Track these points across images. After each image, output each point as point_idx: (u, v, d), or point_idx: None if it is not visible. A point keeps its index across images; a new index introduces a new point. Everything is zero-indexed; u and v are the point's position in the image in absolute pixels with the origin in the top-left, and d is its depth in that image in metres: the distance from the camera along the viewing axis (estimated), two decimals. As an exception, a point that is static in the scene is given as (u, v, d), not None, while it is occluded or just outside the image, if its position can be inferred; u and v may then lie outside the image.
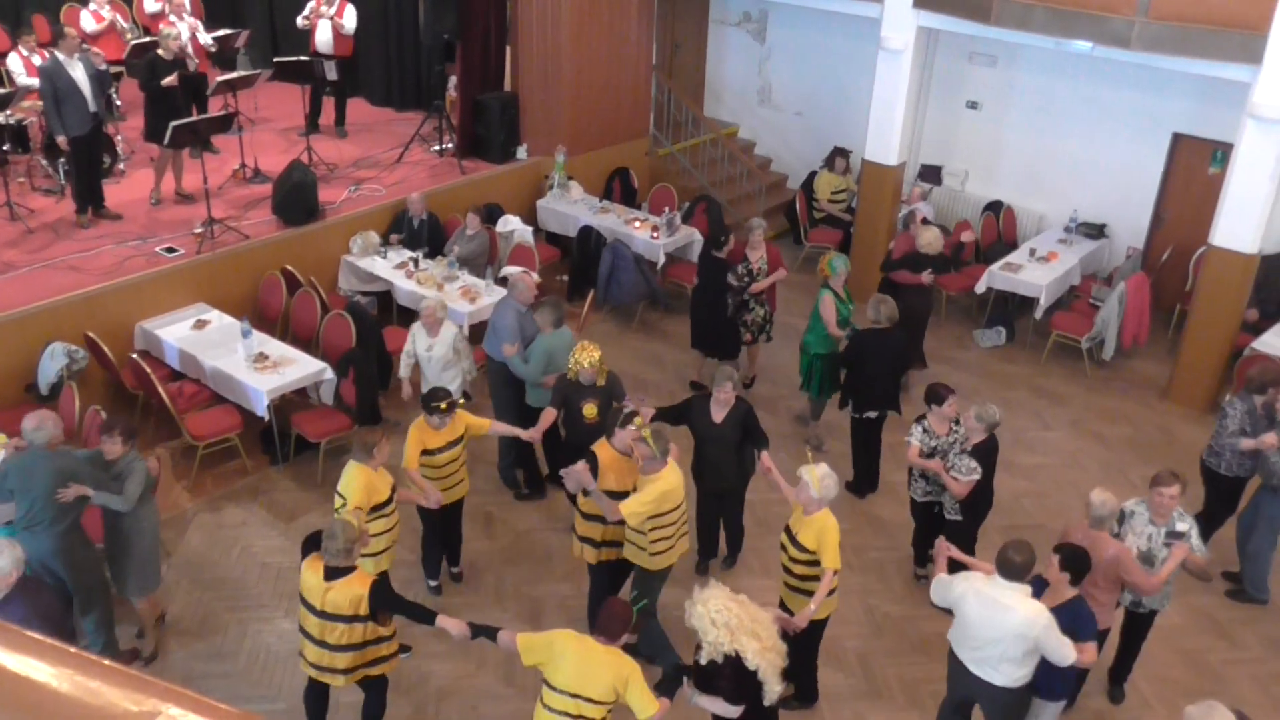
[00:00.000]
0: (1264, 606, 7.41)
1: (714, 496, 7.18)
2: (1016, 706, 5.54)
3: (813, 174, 12.55)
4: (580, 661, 4.84)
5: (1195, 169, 11.08)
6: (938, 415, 6.84)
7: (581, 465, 6.11)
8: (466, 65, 11.60)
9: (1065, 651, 5.15)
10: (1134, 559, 5.88)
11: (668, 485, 5.96)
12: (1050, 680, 5.47)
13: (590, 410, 6.95)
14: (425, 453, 6.53)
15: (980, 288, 10.74)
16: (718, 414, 6.85)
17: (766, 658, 4.78)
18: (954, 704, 5.79)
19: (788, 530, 5.95)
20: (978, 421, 6.62)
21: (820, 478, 5.72)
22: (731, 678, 4.84)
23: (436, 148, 11.89)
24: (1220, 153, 10.54)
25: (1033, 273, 10.61)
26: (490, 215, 10.76)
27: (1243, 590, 7.51)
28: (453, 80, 12.17)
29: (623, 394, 7.22)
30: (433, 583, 7.21)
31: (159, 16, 12.07)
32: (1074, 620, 5.27)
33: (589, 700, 4.83)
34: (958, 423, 6.85)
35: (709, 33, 14.06)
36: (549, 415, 7.21)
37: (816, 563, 5.76)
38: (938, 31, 10.78)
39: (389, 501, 6.18)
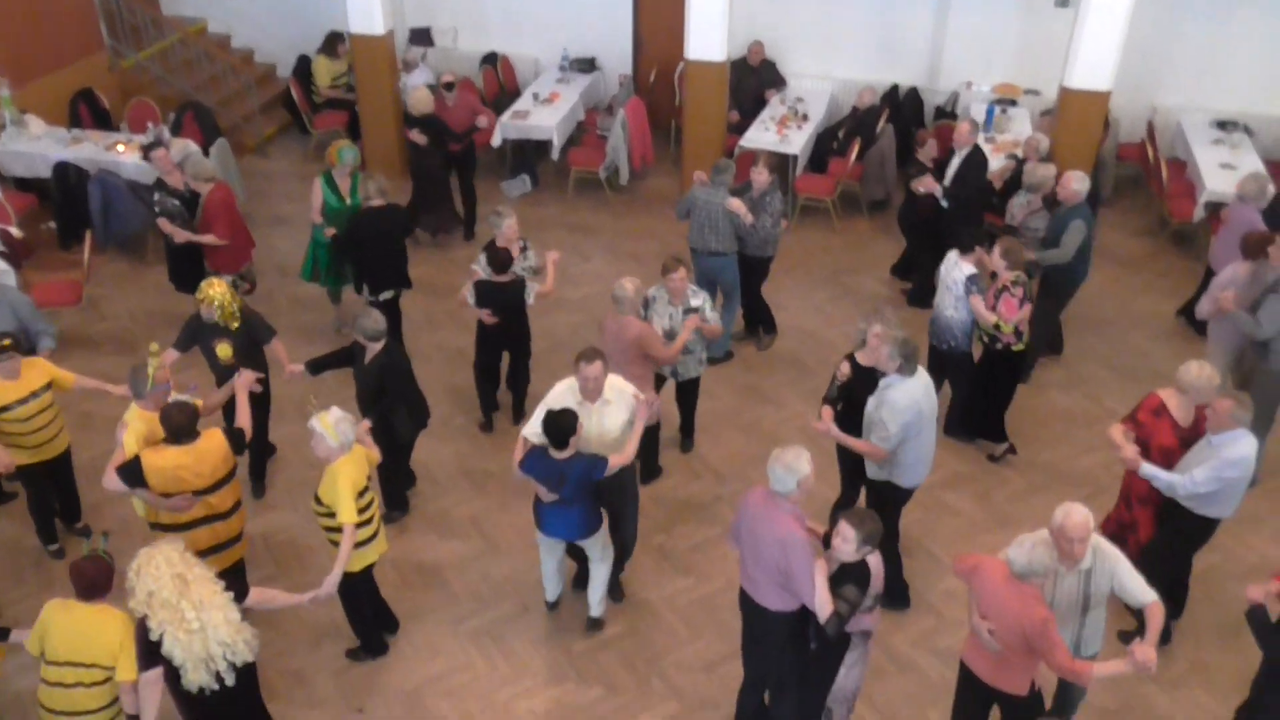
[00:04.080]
0: (800, 369, 8.47)
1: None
2: None
3: (304, 59, 11.90)
4: (70, 629, 4.60)
5: (659, -9, 11.84)
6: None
7: None
8: None
9: None
10: (656, 334, 6.58)
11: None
12: None
13: (224, 351, 6.46)
14: (1, 409, 5.96)
15: (496, 141, 10.90)
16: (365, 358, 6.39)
17: (179, 637, 4.36)
18: None
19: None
20: None
21: (334, 423, 5.18)
22: (140, 638, 4.51)
23: None
24: (676, -29, 11.30)
25: (540, 116, 10.94)
26: (-66, 174, 9.19)
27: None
28: None
29: (266, 336, 6.59)
30: (52, 546, 6.61)
31: None
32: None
33: (86, 666, 4.60)
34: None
35: (144, -81, 12.61)
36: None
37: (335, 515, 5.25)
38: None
39: None
